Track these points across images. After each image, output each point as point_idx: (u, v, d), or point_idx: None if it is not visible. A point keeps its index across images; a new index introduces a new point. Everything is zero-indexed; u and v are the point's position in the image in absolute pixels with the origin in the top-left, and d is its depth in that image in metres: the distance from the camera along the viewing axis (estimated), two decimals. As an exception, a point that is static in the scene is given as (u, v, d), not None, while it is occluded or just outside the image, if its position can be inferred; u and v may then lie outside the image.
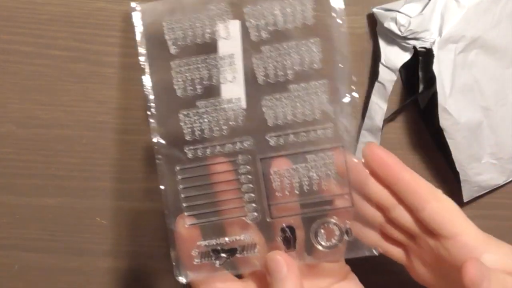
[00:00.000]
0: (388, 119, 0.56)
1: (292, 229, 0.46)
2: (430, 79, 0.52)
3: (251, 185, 0.46)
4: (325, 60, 0.46)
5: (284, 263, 0.45)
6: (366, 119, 0.55)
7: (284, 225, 0.46)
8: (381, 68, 0.54)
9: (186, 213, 0.46)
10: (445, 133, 0.53)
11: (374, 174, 0.46)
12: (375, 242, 0.48)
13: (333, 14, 0.45)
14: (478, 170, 0.55)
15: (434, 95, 0.52)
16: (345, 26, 0.45)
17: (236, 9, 0.45)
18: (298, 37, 0.45)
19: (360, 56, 0.55)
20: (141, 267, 0.60)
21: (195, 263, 0.46)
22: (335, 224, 0.46)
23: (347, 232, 0.47)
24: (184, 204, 0.46)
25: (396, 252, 0.50)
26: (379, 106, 0.54)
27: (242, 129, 0.46)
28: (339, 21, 0.45)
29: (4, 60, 0.54)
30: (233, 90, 0.46)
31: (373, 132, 0.55)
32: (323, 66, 0.46)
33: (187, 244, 0.46)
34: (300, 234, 0.47)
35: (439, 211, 0.46)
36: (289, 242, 0.46)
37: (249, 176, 0.46)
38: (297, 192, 0.46)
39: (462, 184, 0.55)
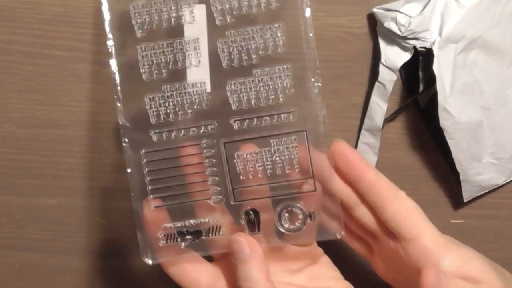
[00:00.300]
0: (388, 119, 0.56)
1: (256, 212, 0.47)
2: (430, 79, 0.52)
3: (215, 169, 0.47)
4: (289, 44, 0.46)
5: (246, 245, 0.46)
6: (366, 119, 0.55)
7: (248, 208, 0.47)
8: (381, 68, 0.54)
9: (151, 196, 0.46)
10: (445, 133, 0.53)
11: (339, 171, 0.47)
12: (339, 231, 0.48)
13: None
14: (478, 170, 0.55)
15: (434, 95, 0.52)
16: (309, 11, 0.45)
17: None
18: (262, 22, 0.46)
19: (360, 56, 0.55)
20: (141, 267, 0.60)
21: (161, 244, 0.47)
22: (298, 207, 0.47)
23: (311, 215, 0.47)
24: (150, 187, 0.46)
25: (359, 247, 0.51)
26: (379, 106, 0.54)
27: (207, 113, 0.46)
28: (303, 6, 0.45)
29: (4, 60, 0.54)
30: (198, 74, 0.46)
31: (373, 132, 0.55)
32: (287, 50, 0.46)
33: (153, 227, 0.47)
34: (266, 217, 0.47)
35: (400, 212, 0.46)
36: (253, 224, 0.47)
37: (213, 160, 0.46)
38: (261, 176, 0.46)
39: (462, 184, 0.56)
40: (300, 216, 0.47)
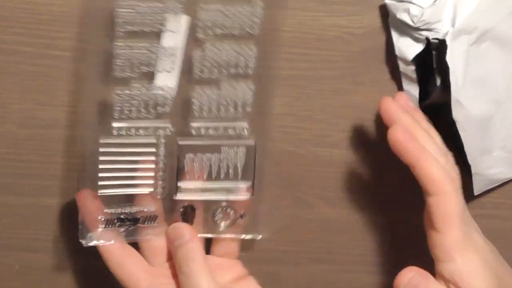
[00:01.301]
0: None
1: (192, 207, 0.52)
2: (443, 71, 0.52)
3: (163, 165, 0.50)
4: (258, 66, 0.50)
5: (187, 230, 0.51)
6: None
7: (186, 203, 0.51)
8: (399, 60, 0.53)
9: (100, 182, 0.50)
10: (457, 125, 0.53)
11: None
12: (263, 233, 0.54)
13: (276, 30, 0.50)
14: (489, 163, 0.55)
15: (446, 86, 0.52)
16: (280, 43, 0.51)
17: (190, 5, 0.48)
18: (240, 42, 0.49)
19: (359, 56, 0.55)
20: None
21: (100, 229, 0.51)
22: (232, 208, 0.52)
23: (241, 216, 0.52)
24: (100, 174, 0.50)
25: None
26: (412, 94, 0.54)
27: (168, 115, 0.50)
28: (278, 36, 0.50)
29: (4, 60, 0.54)
30: (167, 80, 0.49)
31: None
32: (256, 71, 0.50)
33: (93, 212, 0.50)
34: (200, 213, 0.52)
35: (439, 205, 0.49)
36: (187, 218, 0.52)
37: (164, 158, 0.50)
38: (205, 177, 0.51)
39: (473, 177, 0.55)
40: (232, 217, 0.53)
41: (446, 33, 0.51)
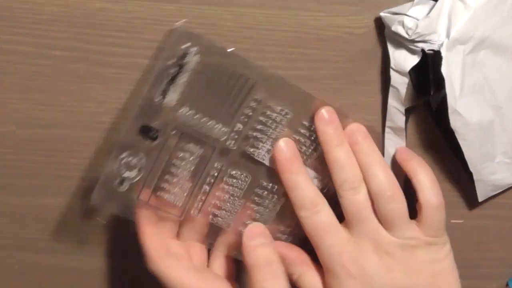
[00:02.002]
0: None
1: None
2: (440, 81, 0.52)
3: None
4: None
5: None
6: (387, 122, 0.55)
7: None
8: (392, 73, 0.54)
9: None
10: (456, 134, 0.53)
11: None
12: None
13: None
14: (491, 170, 0.55)
15: (445, 97, 0.52)
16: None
17: None
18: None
19: (360, 56, 0.55)
20: (142, 267, 0.60)
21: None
22: None
23: None
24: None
25: None
26: (397, 109, 0.55)
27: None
28: None
29: (4, 60, 0.54)
30: None
31: (396, 133, 0.56)
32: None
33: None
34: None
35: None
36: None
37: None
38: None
39: (476, 184, 0.56)
40: None
41: (442, 44, 0.52)
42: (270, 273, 0.52)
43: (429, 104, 0.55)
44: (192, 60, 0.49)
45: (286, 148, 0.53)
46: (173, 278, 0.52)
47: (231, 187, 0.54)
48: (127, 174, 0.51)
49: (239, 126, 0.52)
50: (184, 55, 0.49)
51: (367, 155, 0.53)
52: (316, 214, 0.52)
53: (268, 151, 0.53)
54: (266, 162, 0.54)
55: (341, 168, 0.52)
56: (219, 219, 0.55)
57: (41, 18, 0.53)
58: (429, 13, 0.52)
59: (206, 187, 0.53)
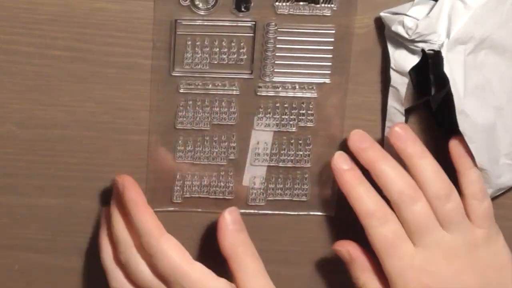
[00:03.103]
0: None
1: None
2: (441, 81, 0.52)
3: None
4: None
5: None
6: (387, 123, 0.55)
7: None
8: (392, 73, 0.54)
9: None
10: (465, 137, 0.53)
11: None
12: None
13: None
14: (497, 173, 0.55)
15: (447, 97, 0.52)
16: None
17: None
18: None
19: (360, 56, 0.55)
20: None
21: None
22: None
23: None
24: None
25: None
26: (397, 110, 0.55)
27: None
28: None
29: (4, 60, 0.54)
30: None
31: None
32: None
33: None
34: None
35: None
36: None
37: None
38: None
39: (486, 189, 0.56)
40: None
41: (442, 44, 0.52)
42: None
43: (429, 104, 0.55)
44: None
45: (346, 160, 0.53)
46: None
47: None
48: None
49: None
50: None
51: (420, 157, 0.53)
52: (385, 224, 0.52)
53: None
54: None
55: (393, 180, 0.52)
56: None
57: (41, 18, 0.53)
58: (429, 13, 0.52)
59: None
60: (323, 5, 0.50)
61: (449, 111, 0.52)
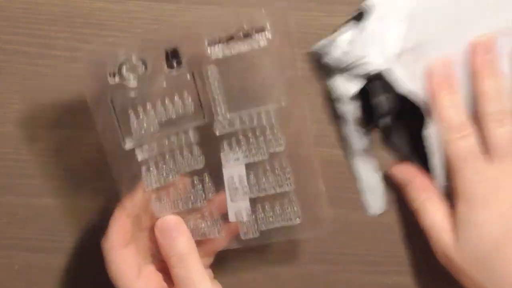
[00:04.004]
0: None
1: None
2: (383, 104, 0.52)
3: None
4: None
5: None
6: (348, 150, 0.56)
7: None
8: (337, 103, 0.54)
9: None
10: (428, 141, 0.53)
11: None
12: None
13: None
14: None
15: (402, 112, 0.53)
16: None
17: None
18: None
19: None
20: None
21: None
22: None
23: None
24: None
25: None
26: (354, 135, 0.55)
27: None
28: None
29: (4, 60, 0.54)
30: None
31: (367, 155, 0.56)
32: None
33: None
34: None
35: None
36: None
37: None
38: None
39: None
40: None
41: (380, 63, 0.52)
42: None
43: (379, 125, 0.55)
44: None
45: (443, 68, 0.53)
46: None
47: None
48: (125, 71, 0.50)
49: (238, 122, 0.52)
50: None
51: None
52: (463, 138, 0.52)
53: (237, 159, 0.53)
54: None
55: (489, 99, 0.52)
56: None
57: (41, 18, 0.53)
58: (358, 36, 0.52)
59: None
60: (256, 36, 0.49)
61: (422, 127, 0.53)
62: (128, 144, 0.51)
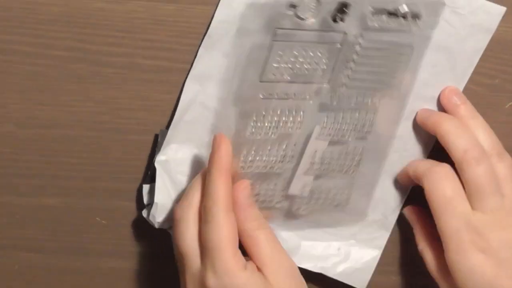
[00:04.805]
0: None
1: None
2: None
3: None
4: None
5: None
6: None
7: None
8: None
9: None
10: None
11: None
12: None
13: None
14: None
15: None
16: None
17: None
18: None
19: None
20: (141, 267, 0.60)
21: None
22: None
23: None
24: None
25: None
26: None
27: None
28: None
29: (4, 60, 0.54)
30: None
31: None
32: None
33: None
34: None
35: None
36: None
37: None
38: None
39: None
40: None
41: None
42: None
43: None
44: None
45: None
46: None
47: None
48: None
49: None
50: None
51: (472, 117, 0.53)
52: (444, 182, 0.51)
53: None
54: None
55: (457, 138, 0.52)
56: None
57: (41, 18, 0.53)
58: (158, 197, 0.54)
59: None
60: (410, 20, 0.50)
61: None
62: (264, 80, 0.50)
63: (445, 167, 0.52)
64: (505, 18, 0.52)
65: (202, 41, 0.52)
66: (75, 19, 0.53)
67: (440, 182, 0.52)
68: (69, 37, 0.53)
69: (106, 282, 0.61)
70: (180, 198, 0.52)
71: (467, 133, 0.52)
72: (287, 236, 0.56)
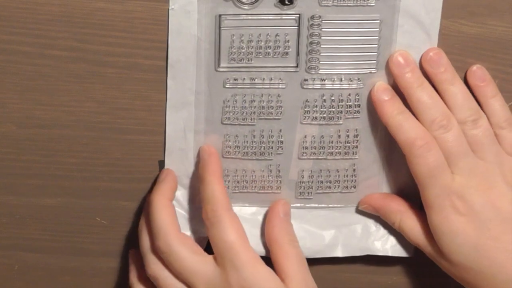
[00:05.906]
0: None
1: None
2: None
3: None
4: None
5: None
6: None
7: None
8: None
9: None
10: None
11: None
12: None
13: None
14: None
15: None
16: None
17: None
18: None
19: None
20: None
21: None
22: None
23: None
24: None
25: None
26: None
27: None
28: None
29: (4, 60, 0.54)
30: None
31: None
32: None
33: None
34: None
35: None
36: None
37: None
38: None
39: None
40: None
41: None
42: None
43: None
44: None
45: (386, 90, 0.53)
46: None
47: None
48: None
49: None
50: None
51: (451, 83, 0.53)
52: (427, 153, 0.52)
53: None
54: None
55: (426, 108, 0.52)
56: None
57: (41, 18, 0.53)
58: None
59: None
60: None
61: None
62: (222, 68, 0.51)
63: (426, 139, 0.52)
64: (505, 18, 0.52)
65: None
66: (75, 19, 0.53)
67: (421, 155, 0.52)
68: (69, 37, 0.53)
69: (106, 282, 0.61)
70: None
71: (436, 102, 0.52)
72: (325, 234, 0.57)
